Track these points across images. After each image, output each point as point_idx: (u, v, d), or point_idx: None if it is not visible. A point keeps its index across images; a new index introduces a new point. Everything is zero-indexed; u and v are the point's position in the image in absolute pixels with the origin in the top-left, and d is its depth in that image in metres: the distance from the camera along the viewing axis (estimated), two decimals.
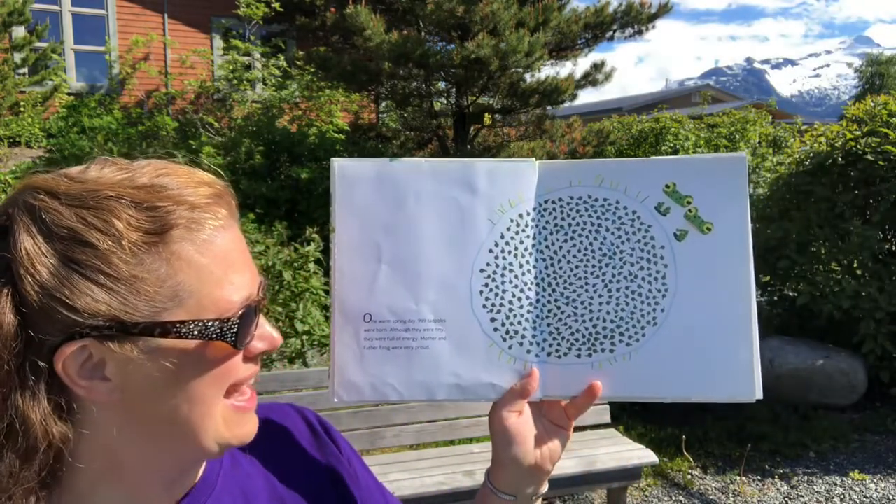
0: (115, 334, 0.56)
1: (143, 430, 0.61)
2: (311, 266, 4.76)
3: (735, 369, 0.80)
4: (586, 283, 0.82)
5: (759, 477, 4.21)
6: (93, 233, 0.56)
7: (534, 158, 0.85)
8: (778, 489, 4.06)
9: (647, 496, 3.99)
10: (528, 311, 0.82)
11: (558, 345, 0.82)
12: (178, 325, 0.58)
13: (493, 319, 0.82)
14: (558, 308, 0.82)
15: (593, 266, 0.82)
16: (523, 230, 0.83)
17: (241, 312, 0.62)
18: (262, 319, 0.66)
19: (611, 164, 0.84)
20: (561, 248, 0.83)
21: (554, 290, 0.82)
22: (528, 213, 0.83)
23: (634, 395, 0.82)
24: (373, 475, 0.88)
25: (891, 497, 3.95)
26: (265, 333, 0.67)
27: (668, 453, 4.42)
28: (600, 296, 0.82)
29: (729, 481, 4.15)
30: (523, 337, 0.82)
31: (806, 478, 4.19)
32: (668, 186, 0.82)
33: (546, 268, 0.82)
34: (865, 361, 5.06)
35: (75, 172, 0.60)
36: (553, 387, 0.82)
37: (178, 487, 0.68)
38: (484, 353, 0.81)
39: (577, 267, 0.82)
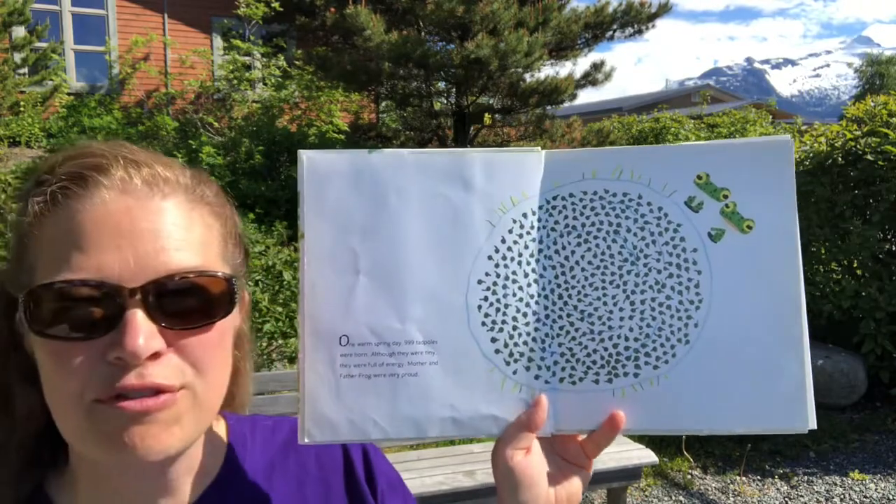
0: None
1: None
2: None
3: (784, 394, 0.67)
4: (604, 295, 0.70)
5: (759, 477, 4.21)
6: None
7: (538, 148, 0.72)
8: (778, 489, 4.06)
9: (647, 496, 3.99)
10: (536, 329, 0.70)
11: (572, 368, 0.69)
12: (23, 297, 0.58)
13: (493, 339, 0.69)
14: (571, 324, 0.70)
15: (612, 274, 0.70)
16: (528, 233, 0.71)
17: (33, 288, 0.57)
18: (137, 322, 0.56)
19: (632, 152, 0.71)
20: (573, 252, 0.70)
21: (566, 304, 0.70)
22: (534, 213, 0.71)
23: (664, 428, 0.69)
24: None
25: (891, 497, 3.95)
26: (120, 338, 0.56)
27: (668, 453, 4.42)
28: (621, 309, 0.69)
29: (729, 481, 4.15)
30: (530, 360, 0.69)
31: (806, 478, 4.19)
32: (700, 178, 0.69)
33: (556, 277, 0.70)
34: (865, 361, 5.06)
35: None
36: (567, 419, 0.69)
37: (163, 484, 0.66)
38: (483, 379, 0.69)
39: (592, 275, 0.70)
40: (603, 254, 0.70)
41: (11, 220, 0.61)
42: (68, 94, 10.60)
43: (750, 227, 0.69)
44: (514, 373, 0.69)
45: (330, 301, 0.69)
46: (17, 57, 9.04)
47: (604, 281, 0.70)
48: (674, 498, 3.98)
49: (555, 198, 0.71)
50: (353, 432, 0.68)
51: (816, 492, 4.02)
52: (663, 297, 0.69)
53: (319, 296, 0.69)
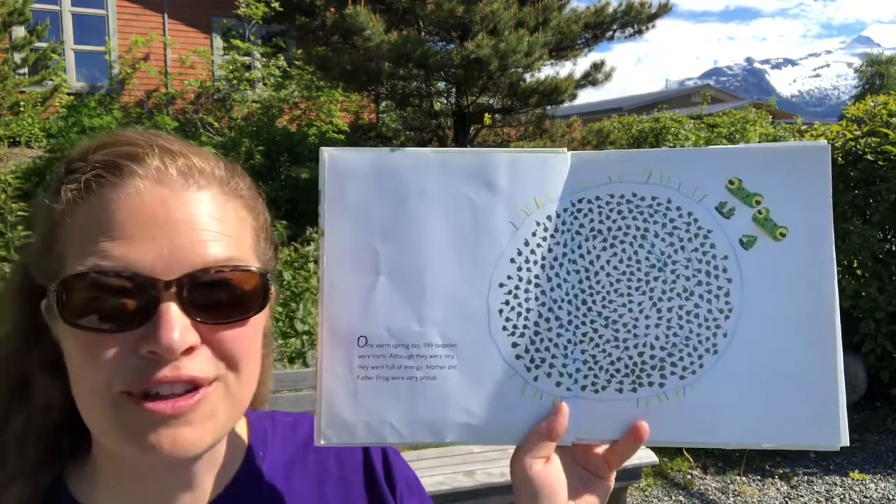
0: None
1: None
2: (311, 266, 4.76)
3: (816, 410, 0.65)
4: (630, 301, 0.68)
5: (759, 477, 4.21)
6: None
7: (565, 149, 0.71)
8: (778, 489, 4.06)
9: (647, 496, 3.99)
10: (559, 335, 0.68)
11: (595, 376, 0.68)
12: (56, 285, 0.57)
13: (514, 345, 0.67)
14: (595, 331, 0.68)
15: (639, 280, 0.68)
16: (552, 236, 0.69)
17: (67, 278, 0.55)
18: (170, 317, 0.55)
19: (661, 155, 0.69)
20: (598, 257, 0.68)
21: (590, 310, 0.68)
22: (559, 215, 0.69)
23: (690, 440, 0.67)
24: None
25: (891, 497, 3.95)
26: (153, 333, 0.55)
27: (668, 453, 4.42)
28: (647, 317, 0.68)
29: (729, 481, 4.15)
30: (552, 366, 0.68)
31: (806, 478, 4.19)
32: (732, 182, 0.67)
33: (580, 282, 0.68)
34: (865, 361, 5.06)
35: None
36: (588, 428, 0.67)
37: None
38: (503, 385, 0.67)
39: (618, 281, 0.68)
40: (629, 259, 0.68)
41: (39, 206, 0.60)
42: (68, 94, 10.60)
43: (783, 235, 0.66)
44: (535, 379, 0.68)
45: (349, 301, 0.68)
46: (17, 57, 9.04)
47: (629, 287, 0.68)
48: (674, 498, 3.98)
49: (580, 200, 0.69)
50: (369, 435, 0.67)
51: (816, 492, 4.02)
52: (691, 305, 0.67)
53: (339, 295, 0.68)
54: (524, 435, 0.67)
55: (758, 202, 0.67)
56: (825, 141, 0.68)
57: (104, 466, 0.65)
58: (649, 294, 0.68)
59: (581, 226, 0.69)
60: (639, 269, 0.68)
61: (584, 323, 0.68)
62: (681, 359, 0.67)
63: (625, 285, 0.68)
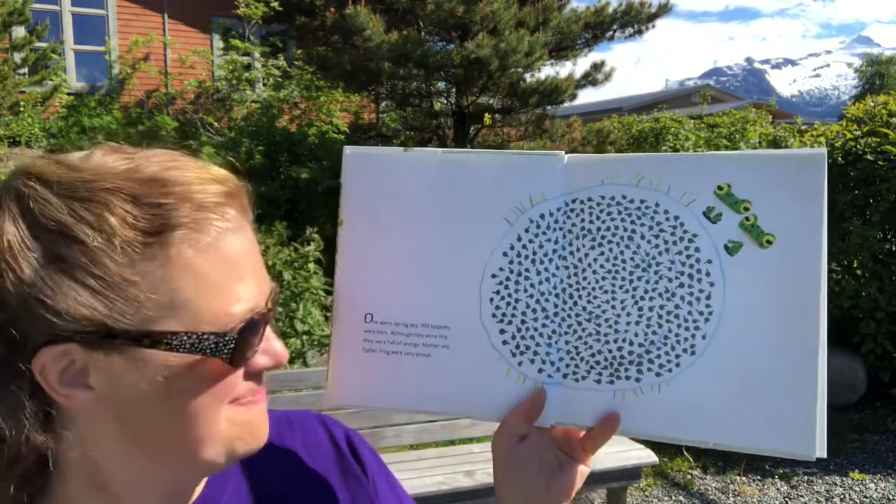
0: (100, 341, 0.51)
1: (134, 443, 0.56)
2: (311, 266, 4.76)
3: (793, 419, 0.66)
4: (613, 298, 0.70)
5: (759, 477, 4.21)
6: (82, 227, 0.50)
7: (563, 152, 0.74)
8: (778, 489, 4.06)
9: (647, 496, 3.99)
10: (544, 325, 0.72)
11: (576, 366, 0.71)
12: (169, 336, 0.52)
13: (502, 331, 0.72)
14: (579, 324, 0.71)
15: (623, 279, 0.70)
16: (544, 233, 0.72)
17: (241, 327, 0.55)
18: (268, 333, 0.60)
19: (654, 160, 0.71)
20: (587, 255, 0.71)
21: (576, 304, 0.71)
22: (552, 214, 0.72)
23: (660, 434, 0.69)
24: (398, 492, 0.80)
25: (891, 497, 3.95)
26: (270, 348, 0.60)
27: (668, 453, 4.42)
28: (629, 314, 0.70)
29: (729, 481, 4.15)
30: (535, 354, 0.72)
31: (806, 478, 4.19)
32: (720, 188, 0.68)
33: (568, 277, 0.72)
34: (865, 361, 5.06)
35: (75, 159, 0.54)
36: (566, 413, 0.71)
37: (176, 502, 0.63)
38: (490, 367, 0.72)
39: (603, 278, 0.71)
40: (616, 258, 0.71)
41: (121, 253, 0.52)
42: (68, 94, 10.59)
43: (770, 242, 0.67)
44: (520, 364, 0.72)
45: (359, 282, 0.75)
46: (17, 57, 9.03)
47: (614, 285, 0.71)
48: (674, 498, 3.98)
49: (573, 200, 0.72)
50: (369, 399, 0.76)
51: (816, 492, 4.02)
52: (672, 306, 0.69)
53: (351, 277, 0.76)
54: (505, 413, 0.72)
55: (746, 209, 0.68)
56: (824, 149, 0.68)
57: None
58: (632, 293, 0.70)
59: (573, 224, 0.72)
60: (624, 269, 0.70)
61: (569, 316, 0.72)
62: (658, 356, 0.69)
63: (609, 283, 0.71)
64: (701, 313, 0.68)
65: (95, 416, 0.54)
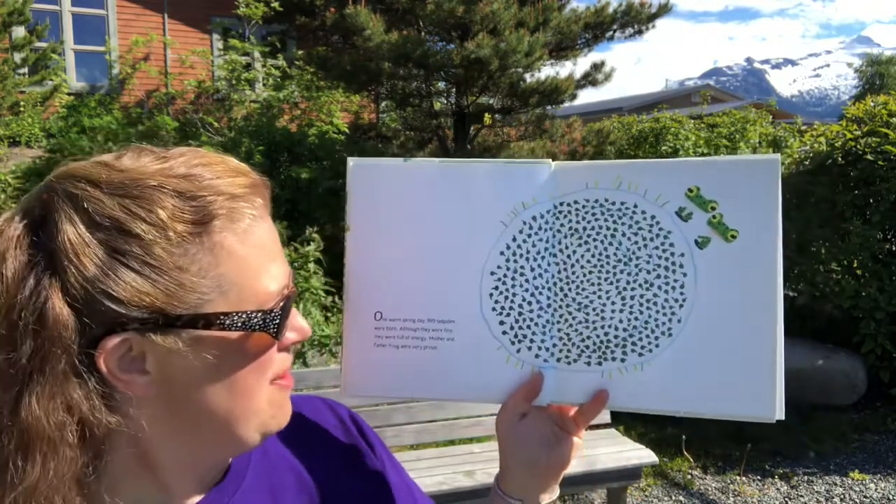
0: (159, 326, 0.56)
1: (181, 423, 0.60)
2: (311, 266, 4.76)
3: (754, 386, 0.76)
4: (599, 290, 0.79)
5: (759, 477, 4.21)
6: (137, 222, 0.55)
7: (550, 160, 0.82)
8: (778, 489, 4.06)
9: (647, 496, 3.99)
10: (539, 316, 0.80)
11: (568, 351, 0.80)
12: (221, 317, 0.57)
13: (502, 322, 0.80)
14: (570, 314, 0.80)
15: (607, 272, 0.79)
16: (536, 233, 0.81)
17: (281, 303, 0.62)
18: (293, 310, 0.66)
19: (631, 166, 0.80)
20: (575, 252, 0.80)
21: (566, 296, 0.80)
22: (542, 216, 0.81)
23: (643, 406, 0.79)
24: (404, 476, 0.87)
25: (891, 497, 3.95)
26: (296, 324, 0.67)
27: (668, 453, 4.42)
28: (613, 303, 0.79)
29: (729, 481, 4.15)
30: (532, 341, 0.80)
31: (806, 478, 4.19)
32: (691, 190, 0.77)
33: (559, 272, 0.80)
34: (865, 361, 5.06)
35: (111, 160, 0.59)
36: (560, 392, 0.80)
37: (209, 480, 0.67)
38: (491, 355, 0.81)
39: (590, 273, 0.79)
40: (600, 254, 0.80)
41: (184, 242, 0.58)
42: (68, 94, 10.59)
43: (734, 237, 0.76)
44: (518, 351, 0.81)
45: (368, 283, 0.82)
46: (17, 57, 9.03)
47: (599, 278, 0.80)
48: (674, 498, 3.98)
49: (562, 203, 0.81)
50: (383, 390, 0.83)
51: (816, 492, 4.02)
52: (651, 295, 0.78)
53: (360, 278, 0.82)
54: (507, 395, 0.81)
55: (713, 208, 0.77)
56: (778, 155, 0.78)
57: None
58: (616, 284, 0.79)
59: (562, 225, 0.81)
60: (608, 263, 0.80)
61: (560, 307, 0.80)
62: (640, 339, 0.78)
63: (595, 276, 0.80)
64: (676, 300, 0.78)
65: (148, 400, 0.58)
